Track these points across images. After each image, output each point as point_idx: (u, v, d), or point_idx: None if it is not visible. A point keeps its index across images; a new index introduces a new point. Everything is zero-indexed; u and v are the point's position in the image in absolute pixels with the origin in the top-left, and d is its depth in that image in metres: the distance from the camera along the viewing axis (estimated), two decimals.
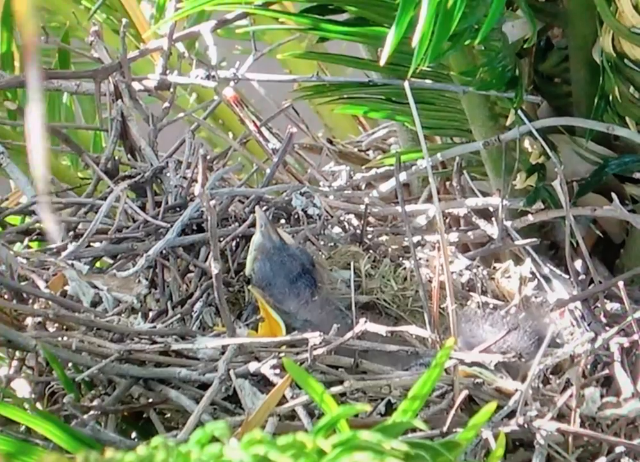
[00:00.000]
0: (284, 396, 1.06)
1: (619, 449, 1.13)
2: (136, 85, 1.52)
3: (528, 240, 1.41)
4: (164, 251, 1.31)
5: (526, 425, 1.09)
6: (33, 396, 1.22)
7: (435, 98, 1.50)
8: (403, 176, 1.49)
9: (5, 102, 1.64)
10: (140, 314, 1.27)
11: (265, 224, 1.29)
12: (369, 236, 1.43)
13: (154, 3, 1.92)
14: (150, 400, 1.14)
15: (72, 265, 1.28)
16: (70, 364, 1.17)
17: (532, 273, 1.38)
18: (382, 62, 1.10)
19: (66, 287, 1.29)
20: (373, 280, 1.38)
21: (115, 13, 1.92)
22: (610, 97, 1.41)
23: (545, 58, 1.49)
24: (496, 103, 1.45)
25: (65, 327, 1.23)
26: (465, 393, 1.09)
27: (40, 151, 0.71)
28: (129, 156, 1.50)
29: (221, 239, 1.33)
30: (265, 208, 1.39)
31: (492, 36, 1.34)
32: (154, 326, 1.22)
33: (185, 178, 1.42)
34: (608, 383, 1.20)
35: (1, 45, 1.64)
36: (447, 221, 1.52)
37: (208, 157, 1.50)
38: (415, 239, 1.41)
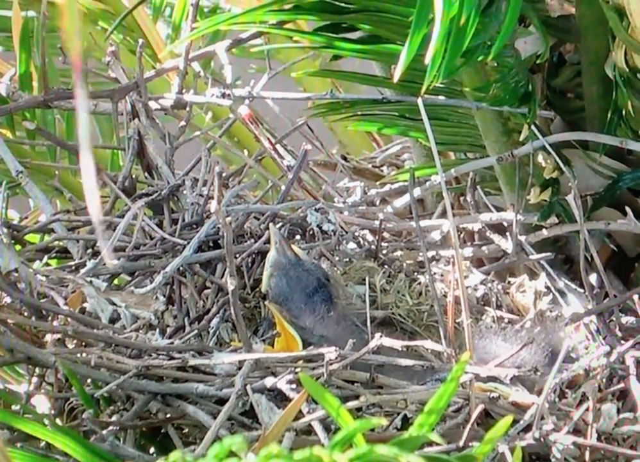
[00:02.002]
0: (300, 411, 1.07)
1: None
2: (152, 104, 1.54)
3: (543, 254, 1.41)
4: (181, 268, 1.32)
5: (542, 439, 1.09)
6: (52, 412, 1.23)
7: (448, 114, 1.51)
8: (417, 192, 1.50)
9: (24, 122, 1.66)
10: (157, 330, 1.27)
11: (279, 241, 1.30)
12: (384, 251, 1.43)
13: (170, 23, 1.94)
14: (168, 416, 1.15)
15: (91, 282, 1.30)
16: (89, 380, 1.18)
17: (547, 287, 1.38)
18: (395, 79, 1.10)
19: (84, 304, 1.30)
20: (388, 295, 1.38)
21: (132, 34, 1.94)
22: (623, 112, 1.41)
23: (558, 74, 1.50)
24: (509, 119, 1.45)
25: (83, 344, 1.24)
26: (481, 407, 1.09)
27: (95, 197, 0.71)
28: (146, 174, 1.51)
29: (237, 255, 1.34)
30: (280, 224, 1.39)
31: (505, 52, 1.35)
32: (172, 342, 1.23)
33: (201, 195, 1.43)
34: (623, 396, 1.20)
35: (20, 66, 1.65)
36: (461, 236, 1.53)
37: (224, 175, 1.51)
38: (430, 254, 1.41)
